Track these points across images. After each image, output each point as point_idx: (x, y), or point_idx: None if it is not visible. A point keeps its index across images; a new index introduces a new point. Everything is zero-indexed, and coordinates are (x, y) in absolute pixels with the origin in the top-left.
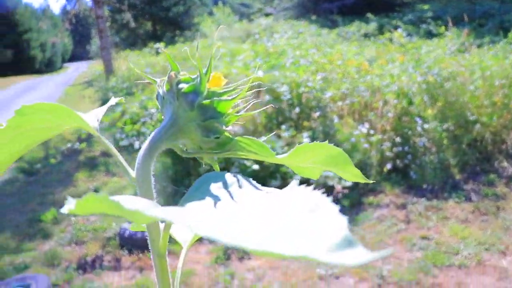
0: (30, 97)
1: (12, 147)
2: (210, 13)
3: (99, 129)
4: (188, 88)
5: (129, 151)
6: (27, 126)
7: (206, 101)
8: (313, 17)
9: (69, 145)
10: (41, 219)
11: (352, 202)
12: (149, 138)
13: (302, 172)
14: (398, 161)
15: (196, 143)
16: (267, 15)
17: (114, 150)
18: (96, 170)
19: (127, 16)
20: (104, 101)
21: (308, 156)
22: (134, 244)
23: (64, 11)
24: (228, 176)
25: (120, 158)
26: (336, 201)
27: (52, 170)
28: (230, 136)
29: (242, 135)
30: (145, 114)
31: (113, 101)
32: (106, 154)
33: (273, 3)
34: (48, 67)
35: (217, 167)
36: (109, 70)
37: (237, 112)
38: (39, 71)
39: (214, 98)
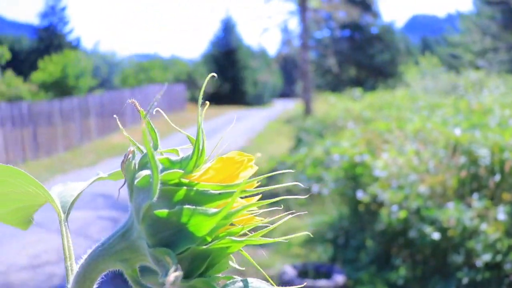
0: (237, 126)
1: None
2: (416, 63)
3: (71, 208)
4: (140, 182)
5: (306, 193)
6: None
7: (160, 212)
8: None
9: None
10: None
11: None
12: (90, 252)
13: None
14: None
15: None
16: (477, 68)
17: (66, 246)
18: (275, 205)
19: (332, 61)
20: (298, 140)
21: None
22: None
23: (278, 54)
24: None
25: (70, 264)
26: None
27: None
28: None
29: (429, 197)
30: (327, 159)
31: (102, 174)
32: (288, 191)
33: (486, 55)
34: (258, 101)
35: None
36: (308, 110)
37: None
38: (249, 104)
39: (179, 207)
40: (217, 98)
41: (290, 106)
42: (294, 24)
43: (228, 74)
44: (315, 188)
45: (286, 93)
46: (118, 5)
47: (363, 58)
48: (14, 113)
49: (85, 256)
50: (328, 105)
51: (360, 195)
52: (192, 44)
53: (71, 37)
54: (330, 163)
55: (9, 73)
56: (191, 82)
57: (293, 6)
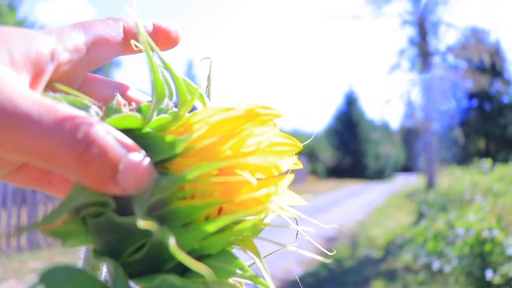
0: (356, 200)
1: None
2: None
3: None
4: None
5: (426, 270)
6: None
7: None
8: None
9: (365, 251)
10: None
11: None
12: None
13: None
14: None
15: None
16: None
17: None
18: (393, 282)
19: (458, 132)
20: (419, 214)
21: None
22: None
23: (401, 126)
24: None
25: None
26: None
27: (350, 271)
28: None
29: None
30: (450, 234)
31: None
32: (407, 269)
33: None
34: (379, 175)
35: None
36: (430, 184)
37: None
38: (370, 178)
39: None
40: (338, 172)
41: (411, 180)
42: (417, 95)
43: (349, 147)
44: (436, 264)
45: (408, 167)
46: (260, 82)
47: (493, 129)
48: None
49: None
50: (452, 178)
51: (489, 275)
52: (315, 118)
53: None
54: (454, 238)
55: None
56: (312, 155)
57: (415, 76)
